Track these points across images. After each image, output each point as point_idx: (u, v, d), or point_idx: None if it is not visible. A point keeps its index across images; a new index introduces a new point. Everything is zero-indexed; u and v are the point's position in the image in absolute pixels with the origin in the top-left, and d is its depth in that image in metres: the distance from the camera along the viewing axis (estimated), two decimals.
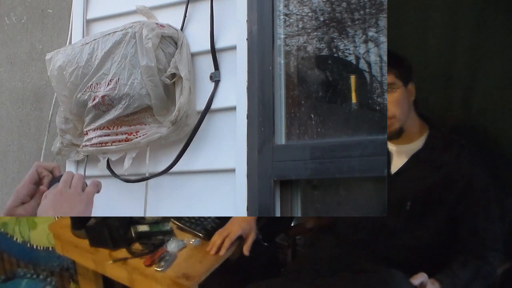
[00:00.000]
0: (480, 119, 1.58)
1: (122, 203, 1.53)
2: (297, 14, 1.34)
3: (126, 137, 1.45)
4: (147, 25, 1.37)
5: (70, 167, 1.59)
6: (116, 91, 1.38)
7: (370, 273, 1.30)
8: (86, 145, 1.50)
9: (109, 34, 1.42)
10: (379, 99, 1.24)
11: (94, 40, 1.44)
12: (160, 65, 1.37)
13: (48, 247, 2.01)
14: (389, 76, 1.33)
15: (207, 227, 1.56)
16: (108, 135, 1.46)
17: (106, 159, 1.52)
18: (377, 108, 1.22)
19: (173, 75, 1.38)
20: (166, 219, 1.60)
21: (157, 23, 1.41)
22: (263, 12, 1.32)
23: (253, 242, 1.52)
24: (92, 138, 1.48)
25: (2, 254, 2.12)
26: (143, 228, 1.54)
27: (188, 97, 1.36)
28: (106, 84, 1.40)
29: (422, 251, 1.42)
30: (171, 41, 1.41)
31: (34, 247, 2.04)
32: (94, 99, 1.42)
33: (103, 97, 1.40)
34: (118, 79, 1.38)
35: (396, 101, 1.35)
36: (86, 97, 1.44)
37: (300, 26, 1.33)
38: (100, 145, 1.47)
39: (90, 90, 1.43)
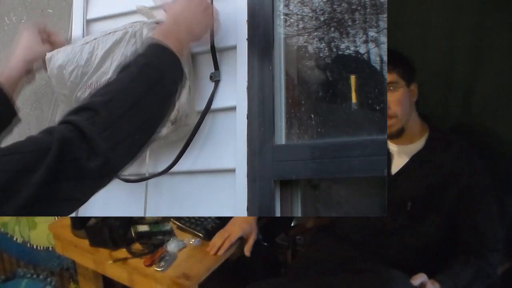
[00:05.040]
0: (480, 119, 1.58)
1: (122, 203, 1.53)
2: (298, 14, 1.34)
3: None
4: (148, 25, 1.37)
5: None
6: None
7: (370, 273, 1.30)
8: None
9: (109, 33, 1.42)
10: (379, 99, 1.23)
11: (94, 39, 1.44)
12: None
13: (48, 247, 2.01)
14: (392, 74, 1.33)
15: (207, 227, 1.56)
16: None
17: None
18: (377, 108, 1.22)
19: None
20: (166, 219, 1.60)
21: (157, 23, 1.40)
22: (263, 12, 1.32)
23: (254, 242, 1.53)
24: None
25: (2, 254, 2.12)
26: (143, 228, 1.54)
27: (187, 97, 1.36)
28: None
29: (422, 251, 1.42)
30: None
31: (34, 247, 2.04)
32: None
33: None
34: None
35: (398, 100, 1.35)
36: (85, 95, 1.43)
37: (301, 26, 1.33)
38: None
39: (90, 88, 1.43)
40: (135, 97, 0.90)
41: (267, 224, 1.63)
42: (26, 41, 1.40)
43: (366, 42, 1.26)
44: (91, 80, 1.43)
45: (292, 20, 1.34)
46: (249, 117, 1.31)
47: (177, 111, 1.35)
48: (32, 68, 1.41)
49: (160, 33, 1.10)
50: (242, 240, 1.52)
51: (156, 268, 1.39)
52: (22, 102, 1.77)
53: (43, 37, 1.44)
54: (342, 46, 1.28)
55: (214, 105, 1.37)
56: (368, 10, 1.25)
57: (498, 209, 1.39)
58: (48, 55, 1.53)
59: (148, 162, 1.45)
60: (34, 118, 1.92)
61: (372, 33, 1.26)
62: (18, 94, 1.38)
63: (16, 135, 1.98)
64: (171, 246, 1.48)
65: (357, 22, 1.26)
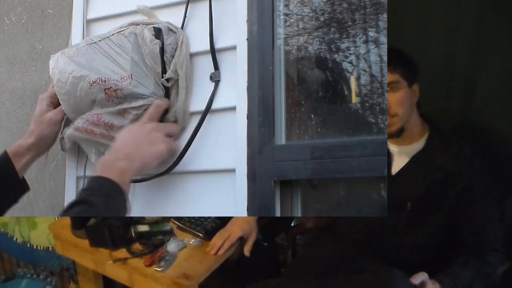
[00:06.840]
0: (480, 119, 1.59)
1: None
2: (297, 14, 1.34)
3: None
4: (150, 29, 1.36)
5: (70, 166, 1.58)
6: (130, 87, 1.35)
7: (370, 273, 1.30)
8: (69, 128, 1.45)
9: (113, 34, 1.41)
10: (379, 99, 1.24)
11: (99, 39, 1.43)
12: (158, 68, 1.36)
13: (48, 247, 2.01)
14: (395, 74, 1.33)
15: (207, 227, 1.56)
16: (97, 125, 1.40)
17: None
18: (378, 108, 1.22)
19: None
20: (166, 219, 1.60)
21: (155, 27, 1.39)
22: (263, 12, 1.32)
23: (254, 242, 1.53)
24: (79, 122, 1.42)
25: (2, 254, 2.12)
26: (143, 228, 1.54)
27: (183, 102, 1.36)
28: (120, 80, 1.36)
29: (422, 251, 1.42)
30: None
31: (34, 247, 2.04)
32: (105, 92, 1.38)
33: (115, 90, 1.36)
34: (131, 75, 1.36)
35: (399, 100, 1.35)
36: (95, 90, 1.40)
37: (300, 26, 1.33)
38: (85, 132, 1.42)
39: (92, 86, 1.40)
40: None
41: (267, 224, 1.63)
42: (36, 112, 1.48)
43: (366, 42, 1.27)
44: (91, 79, 1.41)
45: (292, 20, 1.34)
46: (249, 117, 1.31)
47: (174, 113, 1.35)
48: (45, 138, 1.45)
49: (101, 166, 1.21)
50: (242, 240, 1.52)
51: (156, 268, 1.39)
52: (22, 102, 1.77)
53: (50, 101, 1.49)
54: (342, 46, 1.28)
55: (214, 105, 1.37)
56: (368, 10, 1.25)
57: (498, 209, 1.39)
58: (53, 58, 1.52)
59: None
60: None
61: (372, 33, 1.26)
62: (30, 163, 1.45)
63: (16, 134, 1.98)
64: (171, 246, 1.48)
65: (357, 22, 1.27)
